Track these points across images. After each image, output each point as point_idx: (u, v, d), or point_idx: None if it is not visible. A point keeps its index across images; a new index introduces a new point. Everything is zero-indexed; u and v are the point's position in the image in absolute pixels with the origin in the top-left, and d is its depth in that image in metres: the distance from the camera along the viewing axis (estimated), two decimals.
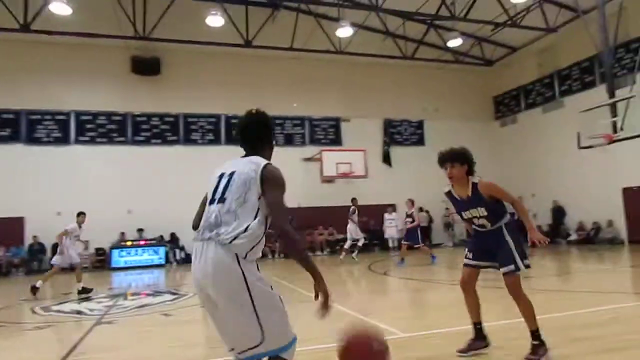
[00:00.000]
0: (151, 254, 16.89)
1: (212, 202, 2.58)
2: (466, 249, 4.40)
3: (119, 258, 16.55)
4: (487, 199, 4.06)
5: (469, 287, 4.29)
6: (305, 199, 19.45)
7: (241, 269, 2.36)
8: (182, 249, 17.61)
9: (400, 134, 21.46)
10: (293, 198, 19.12)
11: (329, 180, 18.83)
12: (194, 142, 18.83)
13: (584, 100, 16.35)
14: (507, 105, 22.16)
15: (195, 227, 2.66)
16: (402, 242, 13.43)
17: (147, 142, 18.29)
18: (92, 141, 17.70)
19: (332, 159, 18.15)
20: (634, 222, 15.65)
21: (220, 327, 2.51)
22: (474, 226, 4.30)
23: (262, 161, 2.59)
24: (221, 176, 2.67)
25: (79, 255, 10.68)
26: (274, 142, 2.87)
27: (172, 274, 14.37)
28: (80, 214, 10.37)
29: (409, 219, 13.28)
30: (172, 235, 17.63)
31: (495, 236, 4.07)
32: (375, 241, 19.71)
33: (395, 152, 21.14)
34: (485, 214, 4.05)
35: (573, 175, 17.85)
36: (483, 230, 4.19)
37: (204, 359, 4.41)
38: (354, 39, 18.43)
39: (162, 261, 16.85)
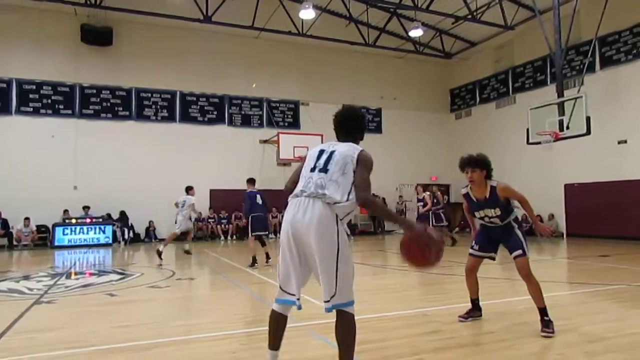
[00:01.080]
0: (97, 232, 16.27)
1: (313, 169, 3.09)
2: (473, 241, 4.97)
3: (62, 236, 15.83)
4: (502, 200, 4.59)
5: (472, 273, 4.97)
6: (260, 181, 19.24)
7: (337, 227, 2.90)
8: (131, 228, 17.08)
9: None
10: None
11: (285, 163, 18.75)
12: (147, 118, 18.17)
13: (535, 98, 17.04)
14: (462, 98, 22.71)
15: (290, 190, 3.16)
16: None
17: (96, 115, 17.48)
18: (35, 112, 16.71)
19: (290, 142, 18.07)
20: (573, 217, 16.54)
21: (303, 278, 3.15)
22: (482, 222, 4.83)
23: (359, 147, 3.18)
24: (322, 152, 3.18)
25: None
26: (364, 134, 3.48)
27: (119, 253, 13.92)
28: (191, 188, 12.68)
29: (420, 204, 13.30)
30: (122, 213, 17.05)
31: (504, 230, 4.67)
32: None
33: None
34: (499, 213, 4.60)
35: (520, 170, 18.55)
36: (492, 226, 4.75)
37: (146, 339, 4.29)
38: (317, 23, 18.26)
39: (109, 240, 16.27)
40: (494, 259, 4.98)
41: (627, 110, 15.23)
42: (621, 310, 5.51)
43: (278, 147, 18.09)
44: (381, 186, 19.01)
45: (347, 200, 2.96)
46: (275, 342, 3.17)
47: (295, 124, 20.34)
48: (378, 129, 21.92)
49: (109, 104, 17.67)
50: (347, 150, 3.11)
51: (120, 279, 8.27)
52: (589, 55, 15.52)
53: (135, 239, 17.12)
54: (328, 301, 2.97)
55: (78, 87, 17.29)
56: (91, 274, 9.23)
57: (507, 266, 9.86)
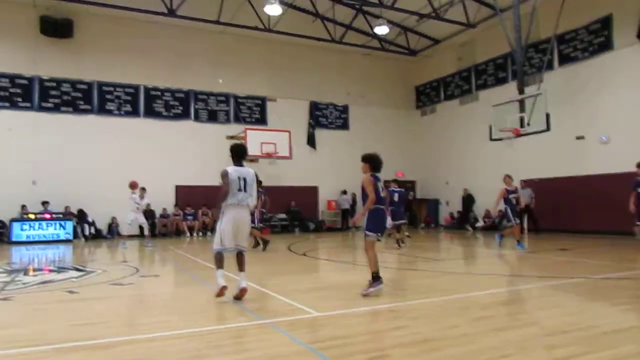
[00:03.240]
0: (57, 228, 15.74)
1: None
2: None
3: (20, 232, 15.26)
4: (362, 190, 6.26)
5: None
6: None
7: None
8: (92, 224, 16.59)
9: (325, 117, 21.61)
10: (214, 177, 18.75)
11: (252, 159, 18.58)
12: (109, 112, 17.66)
13: (497, 95, 17.47)
14: (427, 95, 23.07)
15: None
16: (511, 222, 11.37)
17: (56, 109, 16.86)
18: None
19: (257, 139, 17.95)
20: (538, 212, 16.98)
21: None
22: None
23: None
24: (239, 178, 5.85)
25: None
26: None
27: (79, 249, 13.49)
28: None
29: (515, 195, 11.43)
30: (80, 211, 16.53)
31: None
32: (295, 222, 19.83)
33: (320, 134, 21.29)
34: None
35: (483, 166, 19.05)
36: None
37: (106, 337, 4.18)
38: (283, 18, 18.14)
39: (70, 236, 15.77)
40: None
41: (585, 107, 15.69)
42: (580, 303, 5.68)
43: (245, 143, 17.90)
44: (348, 182, 19.15)
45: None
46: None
47: (262, 119, 20.19)
48: (345, 126, 22.02)
49: (69, 98, 17.07)
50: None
51: (81, 275, 8.02)
52: (547, 53, 15.97)
53: (97, 235, 16.66)
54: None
55: (37, 80, 16.62)
56: (50, 271, 8.91)
57: (470, 261, 10.12)
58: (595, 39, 15.55)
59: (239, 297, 5.61)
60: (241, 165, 6.10)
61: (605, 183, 14.63)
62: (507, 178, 11.44)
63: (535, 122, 13.89)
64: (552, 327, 4.45)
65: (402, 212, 12.76)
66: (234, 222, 5.73)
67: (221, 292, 5.58)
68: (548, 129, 13.71)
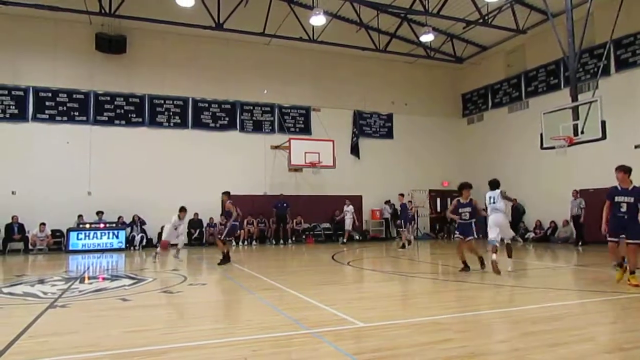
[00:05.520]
0: (111, 237, 16.43)
1: None
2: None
3: (76, 241, 16.02)
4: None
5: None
6: (271, 187, 19.38)
7: None
8: (144, 232, 17.20)
9: (369, 126, 21.56)
10: (259, 186, 19.12)
11: (296, 169, 18.78)
12: (159, 124, 18.35)
13: (548, 102, 16.85)
14: (474, 103, 22.57)
15: None
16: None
17: (110, 122, 17.70)
18: (51, 119, 16.98)
19: (301, 148, 18.09)
20: (589, 223, 16.21)
21: None
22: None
23: None
24: None
25: None
26: None
27: (132, 258, 14.03)
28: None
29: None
30: (134, 218, 17.18)
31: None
32: (340, 232, 19.80)
33: (364, 143, 21.24)
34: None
35: (533, 175, 18.38)
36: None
37: (158, 344, 4.31)
38: (327, 29, 18.31)
39: (122, 245, 16.43)
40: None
41: None
42: (637, 320, 5.38)
43: (289, 152, 18.13)
44: (394, 193, 18.95)
45: None
46: None
47: (306, 129, 20.38)
48: (389, 134, 21.87)
49: (122, 111, 17.90)
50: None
51: (133, 283, 8.33)
52: (603, 58, 15.31)
53: (148, 244, 17.25)
54: None
55: (92, 94, 17.55)
56: (104, 279, 9.31)
57: (520, 274, 9.75)
58: None
59: None
60: None
61: None
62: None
63: (589, 130, 13.28)
64: (610, 344, 4.25)
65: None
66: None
67: None
68: (604, 137, 13.06)
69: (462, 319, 5.33)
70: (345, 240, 18.21)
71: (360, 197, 20.71)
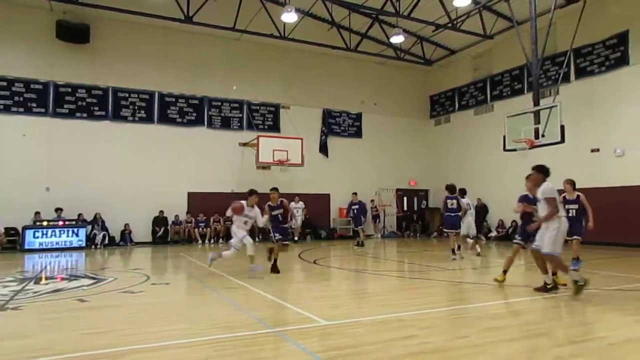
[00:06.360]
0: (70, 235, 15.85)
1: None
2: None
3: (33, 239, 15.32)
4: None
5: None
6: (239, 184, 19.18)
7: None
8: (106, 230, 16.70)
9: (338, 125, 21.62)
10: (227, 184, 18.88)
11: (264, 167, 18.65)
12: (124, 118, 17.83)
13: (512, 106, 17.35)
14: (442, 105, 22.97)
15: None
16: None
17: (71, 115, 17.05)
18: (5, 110, 16.14)
19: (269, 146, 17.97)
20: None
21: None
22: None
23: None
24: None
25: None
26: None
27: (92, 257, 13.59)
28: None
29: (574, 206, 9.70)
30: (96, 215, 16.64)
31: None
32: (307, 230, 19.78)
33: (333, 142, 21.29)
34: None
35: (497, 176, 18.86)
36: None
37: (117, 346, 4.18)
38: (299, 26, 18.24)
39: (83, 243, 15.87)
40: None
41: (600, 120, 15.65)
42: (591, 314, 5.61)
43: (258, 150, 17.98)
44: (358, 191, 19.08)
45: None
46: None
47: (275, 127, 20.26)
48: (358, 134, 22.01)
49: (84, 103, 17.28)
50: None
51: (93, 283, 8.07)
52: (564, 66, 15.91)
53: (110, 242, 16.76)
54: None
55: (52, 85, 16.86)
56: (62, 279, 8.97)
57: (482, 271, 9.98)
58: (612, 54, 15.55)
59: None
60: None
61: (619, 195, 14.52)
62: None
63: (550, 133, 13.74)
64: (563, 338, 4.45)
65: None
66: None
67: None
68: (563, 140, 13.56)
69: (425, 315, 5.41)
70: (296, 238, 17.80)
71: (329, 195, 20.77)
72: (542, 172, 6.73)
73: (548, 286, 6.75)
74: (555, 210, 6.29)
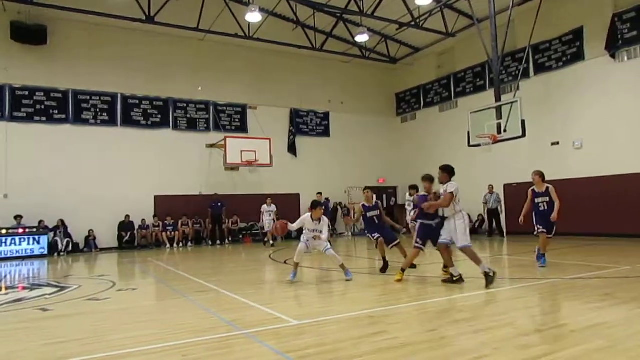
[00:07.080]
0: (31, 243, 15.30)
1: None
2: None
3: None
4: None
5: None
6: (207, 186, 18.95)
7: None
8: (69, 237, 16.17)
9: (306, 124, 21.62)
10: (195, 186, 18.61)
11: (233, 168, 18.48)
12: (85, 121, 17.32)
13: (475, 102, 17.78)
14: (407, 102, 23.28)
15: None
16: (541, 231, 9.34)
17: (29, 119, 16.45)
18: None
19: (237, 146, 17.81)
20: (512, 215, 17.23)
21: None
22: None
23: None
24: None
25: None
26: None
27: (55, 265, 13.15)
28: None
29: (544, 199, 9.52)
30: (61, 222, 16.04)
31: None
32: None
33: (301, 142, 21.27)
34: None
35: (462, 171, 19.11)
36: None
37: (80, 356, 4.05)
38: (264, 26, 18.14)
39: (45, 251, 15.35)
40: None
41: (559, 114, 16.20)
42: (554, 303, 5.81)
43: (225, 151, 17.78)
44: (330, 191, 19.18)
45: None
46: None
47: (242, 127, 20.08)
48: (326, 133, 22.06)
49: (43, 107, 16.69)
50: None
51: (55, 292, 7.81)
52: (523, 62, 16.37)
53: (74, 249, 16.26)
54: None
55: (8, 88, 16.22)
56: (23, 288, 8.65)
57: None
58: (568, 49, 16.12)
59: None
60: None
61: (579, 187, 15.03)
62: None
63: (511, 128, 14.12)
64: (527, 327, 4.58)
65: None
66: None
67: None
68: (524, 135, 13.95)
69: (395, 311, 5.48)
70: (272, 241, 16.52)
71: (298, 195, 20.75)
72: (446, 171, 7.30)
73: (454, 278, 7.14)
74: (446, 204, 6.96)
